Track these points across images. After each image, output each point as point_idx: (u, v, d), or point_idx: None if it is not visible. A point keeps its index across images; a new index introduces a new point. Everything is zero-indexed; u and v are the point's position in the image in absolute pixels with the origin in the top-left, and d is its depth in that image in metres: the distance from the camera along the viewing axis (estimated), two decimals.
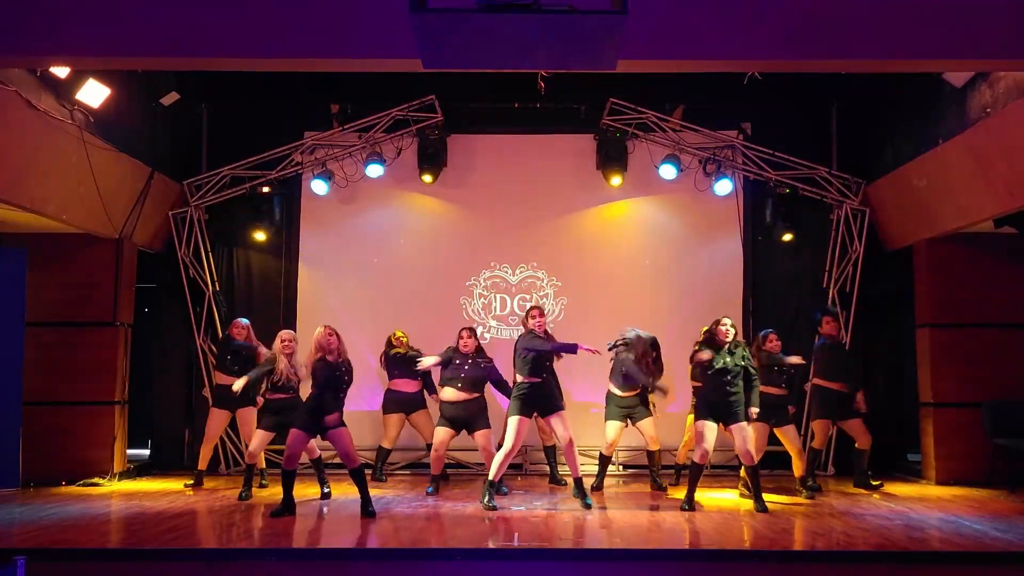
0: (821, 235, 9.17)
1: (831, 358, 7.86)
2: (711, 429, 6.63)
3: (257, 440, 7.25)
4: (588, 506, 6.66)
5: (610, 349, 7.49)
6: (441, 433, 7.50)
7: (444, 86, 8.95)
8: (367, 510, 6.20)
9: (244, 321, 8.09)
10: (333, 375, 6.28)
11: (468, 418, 7.45)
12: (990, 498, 7.29)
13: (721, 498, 7.26)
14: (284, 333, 7.26)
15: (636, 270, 9.30)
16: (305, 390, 6.79)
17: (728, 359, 6.66)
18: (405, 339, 8.33)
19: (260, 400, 7.65)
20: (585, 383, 8.68)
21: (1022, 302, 8.40)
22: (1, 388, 7.48)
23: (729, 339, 6.71)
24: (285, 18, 5.03)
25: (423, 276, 9.31)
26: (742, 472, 7.10)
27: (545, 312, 7.07)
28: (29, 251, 7.79)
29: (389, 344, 8.35)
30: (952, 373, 8.38)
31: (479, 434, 7.43)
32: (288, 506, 6.29)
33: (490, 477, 6.72)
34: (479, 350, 7.70)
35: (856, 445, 7.89)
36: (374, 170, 9.03)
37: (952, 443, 8.29)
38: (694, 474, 6.68)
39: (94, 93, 7.21)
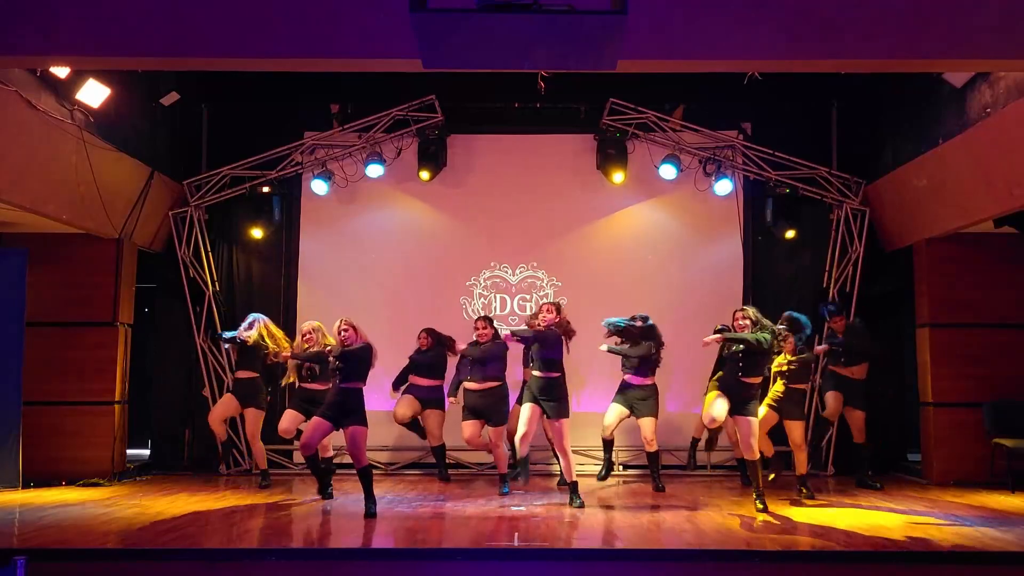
0: (821, 235, 9.18)
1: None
2: (722, 398, 6.61)
3: (287, 419, 7.33)
4: (580, 506, 6.69)
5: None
6: (468, 427, 7.63)
7: (444, 86, 8.95)
8: (369, 510, 6.21)
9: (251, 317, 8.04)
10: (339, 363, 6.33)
11: (488, 408, 7.51)
12: (990, 498, 7.29)
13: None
14: (304, 324, 7.31)
15: (636, 270, 9.29)
16: None
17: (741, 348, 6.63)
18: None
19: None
20: (595, 391, 8.69)
21: (1022, 302, 8.40)
22: (1, 388, 7.48)
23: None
24: (285, 18, 5.03)
25: (423, 276, 9.32)
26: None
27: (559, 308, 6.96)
28: (29, 251, 7.79)
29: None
30: (952, 373, 8.38)
31: (493, 431, 7.51)
32: (325, 486, 6.70)
33: (520, 455, 6.90)
34: (495, 337, 7.75)
35: (853, 439, 8.01)
36: (374, 170, 9.03)
37: (952, 443, 8.29)
38: (710, 437, 6.92)
39: (94, 93, 7.21)
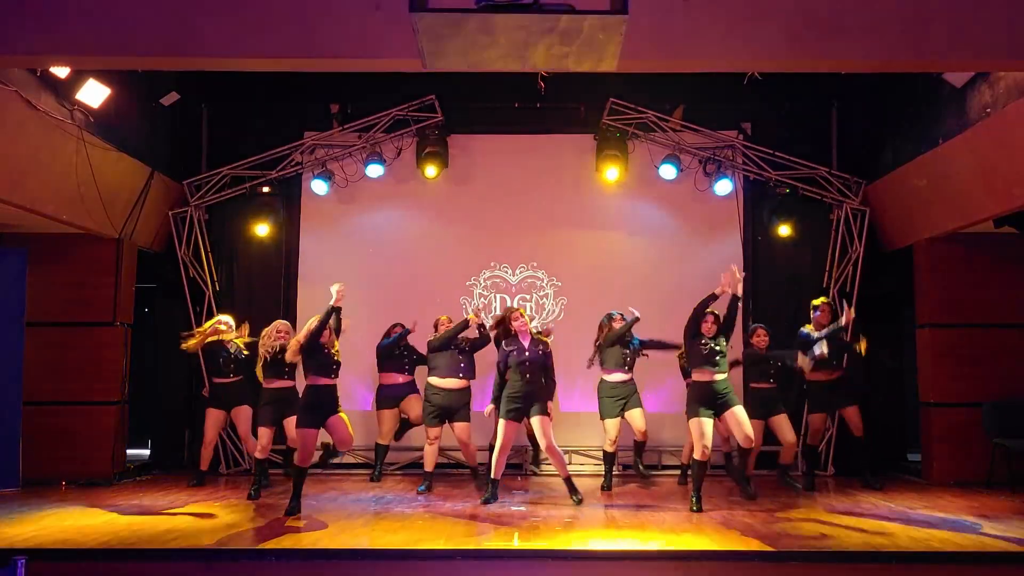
0: (821, 235, 9.18)
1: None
2: (707, 424, 6.64)
3: (264, 438, 7.26)
4: (579, 501, 6.73)
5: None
6: (436, 430, 7.60)
7: (444, 86, 8.95)
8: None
9: (225, 318, 8.06)
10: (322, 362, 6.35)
11: (453, 407, 7.50)
12: (990, 498, 7.29)
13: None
14: (279, 323, 7.39)
15: (636, 270, 9.29)
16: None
17: (711, 343, 6.75)
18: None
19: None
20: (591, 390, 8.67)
21: (1022, 302, 8.40)
22: (1, 388, 7.48)
23: (712, 334, 6.76)
24: (284, 18, 5.03)
25: (423, 276, 9.32)
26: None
27: (526, 314, 7.02)
28: (29, 251, 7.79)
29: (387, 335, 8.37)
30: (952, 373, 8.38)
31: (459, 427, 7.52)
32: (299, 504, 6.39)
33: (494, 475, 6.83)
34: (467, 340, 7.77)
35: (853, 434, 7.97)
36: (374, 170, 9.04)
37: (952, 443, 8.29)
38: (698, 473, 6.68)
39: (94, 93, 7.22)
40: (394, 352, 8.23)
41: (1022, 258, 8.35)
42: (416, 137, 9.21)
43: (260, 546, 5.24)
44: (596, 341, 7.87)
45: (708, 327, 6.80)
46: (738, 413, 6.68)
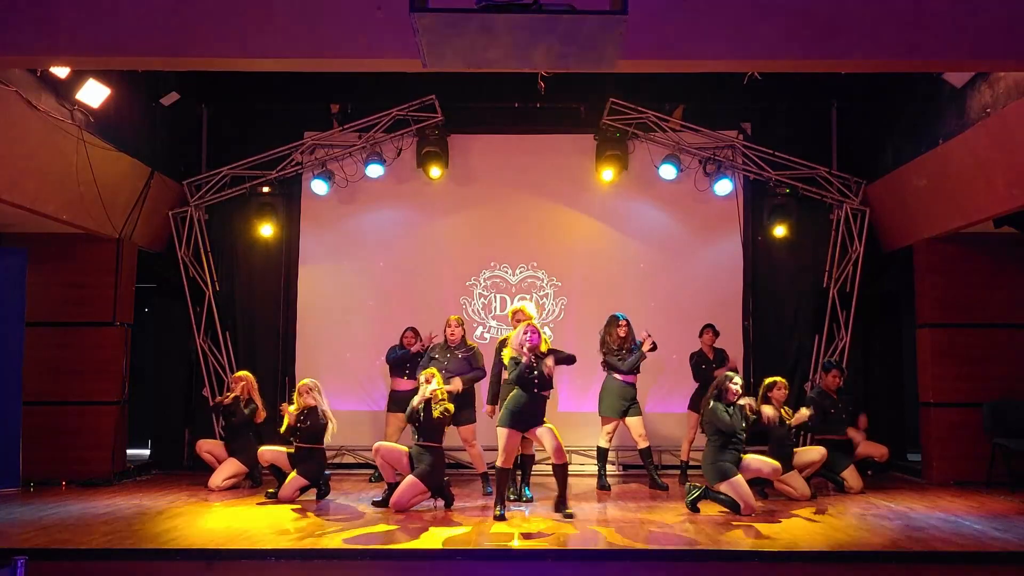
0: (821, 235, 9.18)
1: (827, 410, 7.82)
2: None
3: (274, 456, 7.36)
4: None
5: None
6: None
7: (444, 86, 8.95)
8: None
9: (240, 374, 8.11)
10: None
11: (457, 408, 7.45)
12: (990, 498, 7.29)
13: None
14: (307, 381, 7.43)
15: (636, 270, 9.30)
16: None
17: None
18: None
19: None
20: (586, 390, 8.68)
21: (1022, 302, 8.40)
22: (1, 388, 7.48)
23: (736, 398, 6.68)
24: (285, 18, 5.03)
25: (423, 276, 9.32)
26: None
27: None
28: (29, 251, 7.79)
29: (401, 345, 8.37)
30: (952, 373, 8.38)
31: (463, 428, 7.45)
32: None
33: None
34: (463, 340, 7.71)
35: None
36: (374, 170, 9.03)
37: (952, 443, 8.29)
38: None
39: (94, 93, 7.21)
40: (404, 362, 8.26)
41: (1022, 258, 8.35)
42: (416, 137, 9.21)
43: (260, 546, 5.24)
44: (601, 346, 7.86)
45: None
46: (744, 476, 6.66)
